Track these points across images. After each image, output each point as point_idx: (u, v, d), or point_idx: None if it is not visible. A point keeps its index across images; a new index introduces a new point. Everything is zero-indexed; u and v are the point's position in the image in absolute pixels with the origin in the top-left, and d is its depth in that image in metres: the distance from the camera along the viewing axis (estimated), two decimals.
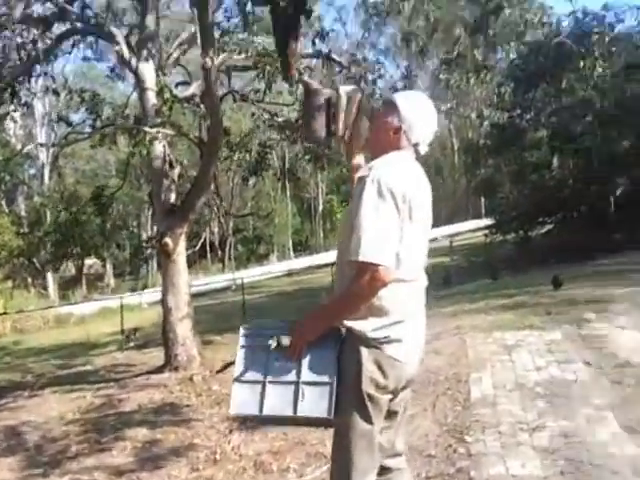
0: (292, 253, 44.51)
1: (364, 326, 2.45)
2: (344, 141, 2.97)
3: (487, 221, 27.40)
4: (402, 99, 2.68)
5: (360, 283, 2.35)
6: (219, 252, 43.09)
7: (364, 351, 2.46)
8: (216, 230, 40.91)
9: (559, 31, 11.20)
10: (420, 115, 2.64)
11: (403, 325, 2.51)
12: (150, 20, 10.97)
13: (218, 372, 9.34)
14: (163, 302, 10.57)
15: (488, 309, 10.86)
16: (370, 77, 10.81)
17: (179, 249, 10.24)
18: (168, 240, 9.91)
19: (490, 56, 10.53)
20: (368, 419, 2.50)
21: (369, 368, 2.46)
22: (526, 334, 8.04)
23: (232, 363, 8.32)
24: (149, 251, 36.27)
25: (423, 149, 2.66)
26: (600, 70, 8.97)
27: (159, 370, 10.28)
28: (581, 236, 21.24)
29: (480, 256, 25.33)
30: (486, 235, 26.17)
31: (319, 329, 2.49)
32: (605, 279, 12.07)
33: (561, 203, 22.83)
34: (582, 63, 9.21)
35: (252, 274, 32.03)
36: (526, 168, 23.72)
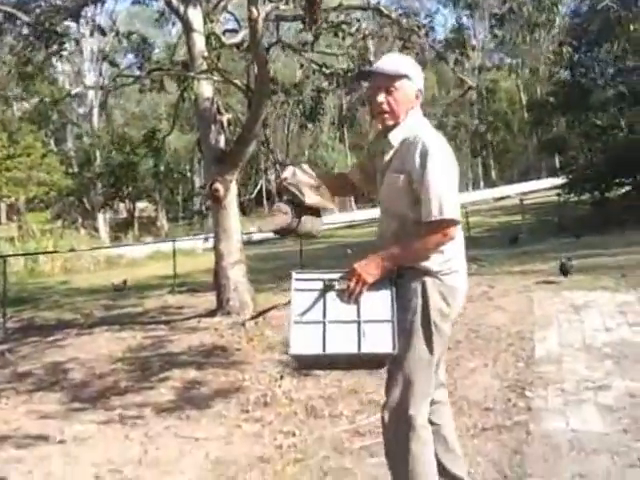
0: (354, 205, 44.32)
1: (427, 261, 2.78)
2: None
3: (561, 180, 26.75)
4: (409, 66, 2.95)
5: (436, 237, 2.72)
6: (276, 200, 43.21)
7: (429, 282, 2.79)
8: (273, 177, 40.99)
9: None
10: (420, 73, 2.99)
11: (457, 258, 2.89)
12: None
13: (253, 318, 9.49)
14: (215, 248, 10.81)
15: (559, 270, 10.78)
16: (423, 31, 10.64)
17: (230, 195, 10.38)
18: (219, 186, 10.01)
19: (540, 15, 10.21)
20: (432, 349, 2.80)
21: (434, 298, 2.78)
22: (597, 295, 7.99)
23: (268, 310, 8.51)
24: (202, 197, 36.88)
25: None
26: None
27: (210, 314, 10.47)
28: None
29: (553, 215, 24.89)
30: (559, 194, 25.65)
31: (382, 273, 2.76)
32: None
33: (638, 164, 22.12)
34: (632, 27, 8.97)
35: None
36: (594, 129, 23.17)
